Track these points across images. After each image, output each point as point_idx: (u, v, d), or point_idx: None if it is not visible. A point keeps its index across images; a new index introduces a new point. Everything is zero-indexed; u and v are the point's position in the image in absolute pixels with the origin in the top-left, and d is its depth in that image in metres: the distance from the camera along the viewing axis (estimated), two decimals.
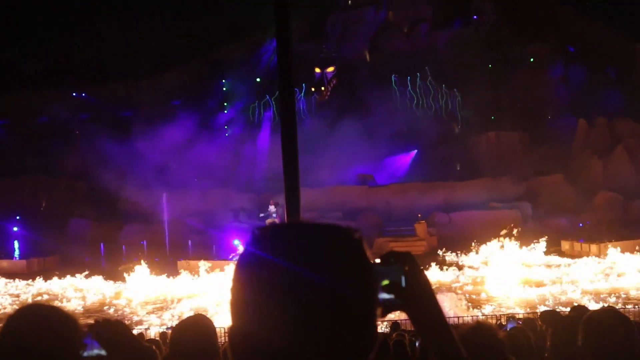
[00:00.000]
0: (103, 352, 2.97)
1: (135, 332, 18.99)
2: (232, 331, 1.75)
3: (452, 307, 27.31)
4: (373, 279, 1.83)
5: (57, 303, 34.34)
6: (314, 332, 1.65)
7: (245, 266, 1.74)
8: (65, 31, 64.59)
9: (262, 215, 48.13)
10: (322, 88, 66.73)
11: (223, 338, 13.44)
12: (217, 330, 5.08)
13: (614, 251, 40.23)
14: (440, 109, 65.73)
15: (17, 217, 54.38)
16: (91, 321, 3.11)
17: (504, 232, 41.25)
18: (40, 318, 2.81)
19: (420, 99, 66.25)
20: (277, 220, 48.87)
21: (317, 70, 66.05)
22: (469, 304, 31.16)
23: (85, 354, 2.99)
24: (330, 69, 67.01)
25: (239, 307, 1.74)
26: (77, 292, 38.60)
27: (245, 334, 1.71)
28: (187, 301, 34.36)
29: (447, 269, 39.08)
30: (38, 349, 2.69)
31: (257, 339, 1.67)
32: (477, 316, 25.57)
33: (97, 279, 40.79)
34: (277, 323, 1.64)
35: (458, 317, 22.55)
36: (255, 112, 66.57)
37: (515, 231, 41.00)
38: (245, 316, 1.71)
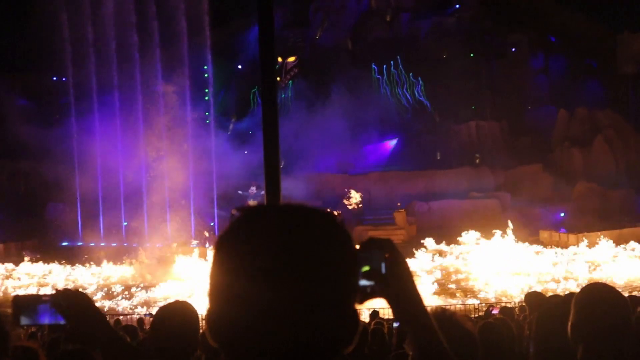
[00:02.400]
0: (62, 321, 2.95)
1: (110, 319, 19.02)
2: (210, 315, 1.73)
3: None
4: (355, 264, 1.81)
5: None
6: (294, 317, 1.63)
7: (224, 247, 1.71)
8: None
9: (240, 192, 48.41)
10: (278, 78, 66.58)
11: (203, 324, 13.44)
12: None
13: (599, 241, 40.33)
14: (415, 98, 65.78)
15: None
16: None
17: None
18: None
19: (399, 87, 66.25)
20: (256, 203, 49.08)
21: (279, 59, 65.75)
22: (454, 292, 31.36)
23: (46, 322, 2.98)
24: (292, 59, 66.83)
25: (217, 289, 1.71)
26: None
27: (223, 317, 1.68)
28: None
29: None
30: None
31: (235, 322, 1.65)
32: (453, 305, 25.69)
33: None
34: (256, 306, 1.62)
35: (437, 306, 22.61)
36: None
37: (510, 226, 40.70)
38: (225, 299, 1.69)
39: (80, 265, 41.13)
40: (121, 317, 23.67)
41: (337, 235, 1.74)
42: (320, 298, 1.66)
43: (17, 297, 2.98)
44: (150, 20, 55.04)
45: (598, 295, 3.83)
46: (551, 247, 40.78)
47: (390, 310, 2.21)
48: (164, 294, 32.68)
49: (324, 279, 1.68)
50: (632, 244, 39.61)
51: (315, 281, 1.66)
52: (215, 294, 1.72)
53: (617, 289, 3.72)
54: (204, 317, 1.82)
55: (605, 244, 39.41)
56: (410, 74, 65.47)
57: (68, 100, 55.66)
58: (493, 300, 28.34)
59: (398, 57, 65.89)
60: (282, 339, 1.64)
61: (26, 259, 42.57)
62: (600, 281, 22.37)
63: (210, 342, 1.74)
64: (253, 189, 49.17)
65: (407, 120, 64.16)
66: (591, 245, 39.91)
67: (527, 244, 40.67)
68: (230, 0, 71.81)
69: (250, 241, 1.67)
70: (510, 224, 40.38)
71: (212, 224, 48.00)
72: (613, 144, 56.53)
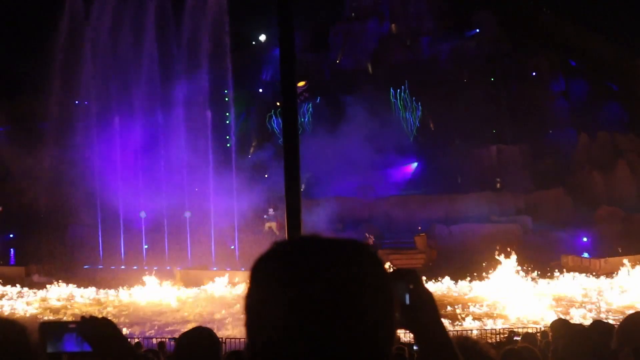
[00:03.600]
0: (88, 349, 2.92)
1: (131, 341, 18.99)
2: (250, 348, 1.69)
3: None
4: (392, 298, 1.76)
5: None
6: (336, 354, 1.60)
7: (263, 282, 1.69)
8: None
9: (265, 217, 49.20)
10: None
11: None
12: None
13: (621, 266, 39.85)
14: (434, 121, 65.82)
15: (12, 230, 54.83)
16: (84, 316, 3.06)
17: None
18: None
19: (409, 111, 66.33)
20: (274, 224, 49.56)
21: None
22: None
23: (72, 350, 2.95)
24: (301, 84, 67.02)
25: (258, 324, 1.68)
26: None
27: (264, 351, 1.65)
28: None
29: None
30: None
31: (276, 356, 1.62)
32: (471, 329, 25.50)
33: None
34: (297, 342, 1.59)
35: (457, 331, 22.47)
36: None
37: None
38: (265, 333, 1.65)
39: (107, 290, 41.09)
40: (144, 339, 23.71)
41: (375, 269, 1.72)
42: (362, 337, 1.63)
43: (43, 323, 2.96)
44: (173, 45, 55.62)
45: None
46: (573, 273, 40.29)
47: (409, 334, 2.19)
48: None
49: (367, 318, 1.64)
50: None
51: (353, 315, 1.62)
52: (256, 328, 1.68)
53: None
54: (223, 341, 1.77)
55: (630, 269, 38.94)
56: (413, 98, 65.59)
57: (89, 123, 56.13)
58: (510, 325, 28.06)
59: (406, 81, 65.87)
60: None
61: (35, 279, 42.75)
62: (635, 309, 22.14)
63: None
64: (271, 211, 49.59)
65: (428, 144, 64.17)
66: (615, 270, 39.49)
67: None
68: (252, 24, 72.59)
69: (292, 277, 1.63)
70: (514, 258, 39.44)
71: (232, 247, 48.10)
72: (635, 168, 56.26)
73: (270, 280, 1.66)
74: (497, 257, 39.01)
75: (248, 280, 1.72)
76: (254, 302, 1.68)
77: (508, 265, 38.58)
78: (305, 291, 1.61)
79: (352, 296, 1.62)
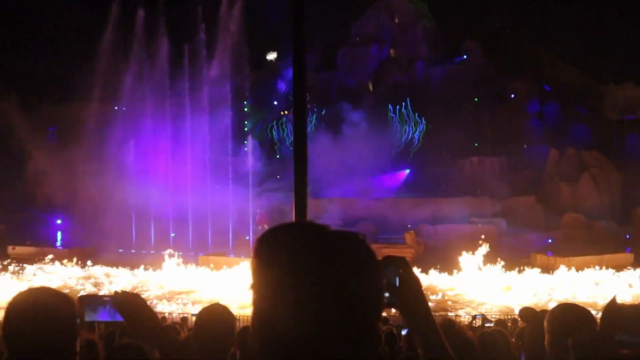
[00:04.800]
0: (119, 319, 2.96)
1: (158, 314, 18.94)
2: (254, 321, 1.73)
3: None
4: (382, 279, 1.80)
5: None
6: (328, 324, 1.63)
7: (267, 263, 1.70)
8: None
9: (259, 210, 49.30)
10: (286, 112, 67.09)
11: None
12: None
13: (581, 264, 39.82)
14: (426, 135, 65.74)
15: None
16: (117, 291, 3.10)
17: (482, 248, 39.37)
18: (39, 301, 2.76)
19: (408, 125, 66.28)
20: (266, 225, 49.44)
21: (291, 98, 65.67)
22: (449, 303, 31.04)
23: (106, 319, 2.99)
24: None
25: (262, 299, 1.70)
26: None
27: (267, 323, 1.67)
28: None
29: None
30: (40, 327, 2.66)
31: (278, 328, 1.65)
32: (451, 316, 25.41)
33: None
34: (297, 314, 1.62)
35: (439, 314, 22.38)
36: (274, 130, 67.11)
37: (486, 246, 39.29)
38: (269, 307, 1.67)
39: (138, 270, 41.10)
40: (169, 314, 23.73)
41: (366, 255, 1.74)
42: (354, 311, 1.66)
43: (82, 296, 3.01)
44: (201, 61, 55.75)
45: (567, 314, 3.69)
46: (540, 269, 40.09)
47: (399, 317, 2.20)
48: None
49: (359, 295, 1.67)
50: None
51: (348, 295, 1.66)
52: (260, 303, 1.71)
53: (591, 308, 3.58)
54: (238, 318, 1.79)
55: (593, 269, 38.87)
56: (416, 114, 65.52)
57: (126, 127, 56.21)
58: (484, 312, 27.94)
59: (408, 99, 65.87)
60: (318, 346, 1.63)
61: (69, 264, 42.78)
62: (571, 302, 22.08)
63: (255, 342, 1.72)
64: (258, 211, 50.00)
65: (419, 154, 64.22)
66: (577, 269, 39.38)
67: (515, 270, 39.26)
68: (269, 47, 72.73)
69: (294, 261, 1.66)
70: (485, 247, 39.07)
71: (247, 237, 48.08)
72: (598, 181, 56.17)
73: (279, 262, 1.68)
74: (474, 253, 38.92)
75: (256, 261, 1.73)
76: (262, 281, 1.70)
77: (484, 261, 38.49)
78: (311, 271, 1.64)
79: (348, 274, 1.66)
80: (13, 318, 2.69)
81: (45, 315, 2.67)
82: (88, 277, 39.56)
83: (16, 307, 2.72)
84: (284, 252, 1.68)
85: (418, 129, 65.67)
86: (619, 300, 2.22)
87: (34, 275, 39.80)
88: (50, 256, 44.58)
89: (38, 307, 2.70)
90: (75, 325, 2.80)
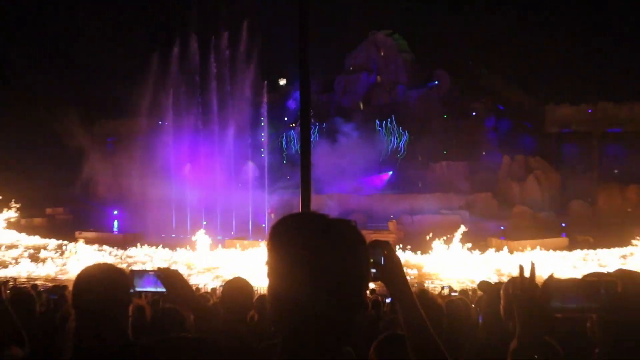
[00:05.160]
0: (162, 289, 2.98)
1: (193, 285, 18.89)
2: (270, 290, 1.72)
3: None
4: (369, 257, 1.81)
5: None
6: (328, 292, 1.63)
7: (280, 244, 1.70)
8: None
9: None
10: (293, 124, 67.47)
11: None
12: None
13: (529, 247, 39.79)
14: (405, 144, 65.82)
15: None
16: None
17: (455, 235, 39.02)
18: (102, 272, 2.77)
19: (397, 138, 66.27)
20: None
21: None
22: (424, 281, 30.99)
23: (151, 289, 3.01)
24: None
25: (275, 273, 1.70)
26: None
27: (280, 292, 1.68)
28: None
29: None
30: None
31: (288, 295, 1.66)
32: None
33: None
34: (304, 284, 1.62)
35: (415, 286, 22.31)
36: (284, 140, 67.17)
37: (460, 233, 39.10)
38: (281, 279, 1.68)
39: (176, 250, 40.79)
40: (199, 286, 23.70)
41: (357, 238, 1.74)
42: (347, 281, 1.67)
43: (132, 270, 3.02)
44: (226, 85, 55.84)
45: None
46: (495, 250, 39.90)
47: (383, 289, 2.21)
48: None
49: (351, 268, 1.68)
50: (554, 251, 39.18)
51: (344, 269, 1.66)
52: (274, 277, 1.71)
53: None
54: (256, 288, 1.79)
55: (535, 251, 38.84)
56: (400, 127, 65.54)
57: (168, 138, 56.22)
58: (449, 284, 27.86)
59: (392, 116, 65.92)
60: (319, 309, 1.64)
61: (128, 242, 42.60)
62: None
63: (268, 309, 1.74)
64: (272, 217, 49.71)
65: (399, 160, 64.35)
66: (523, 250, 39.35)
67: (477, 251, 39.15)
68: (280, 73, 72.81)
69: (301, 242, 1.66)
70: (462, 227, 39.05)
71: (263, 225, 48.07)
72: (540, 181, 56.26)
73: (290, 243, 1.68)
74: (443, 238, 38.81)
75: (271, 242, 1.72)
76: (276, 259, 1.69)
77: (451, 244, 38.42)
78: (315, 250, 1.65)
79: (344, 253, 1.67)
80: (81, 288, 2.71)
81: (105, 285, 2.69)
82: (137, 256, 39.50)
83: (83, 279, 2.73)
84: (293, 235, 1.69)
85: (402, 140, 65.68)
86: (555, 276, 2.25)
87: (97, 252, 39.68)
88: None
89: (100, 279, 2.72)
90: (129, 293, 2.82)
